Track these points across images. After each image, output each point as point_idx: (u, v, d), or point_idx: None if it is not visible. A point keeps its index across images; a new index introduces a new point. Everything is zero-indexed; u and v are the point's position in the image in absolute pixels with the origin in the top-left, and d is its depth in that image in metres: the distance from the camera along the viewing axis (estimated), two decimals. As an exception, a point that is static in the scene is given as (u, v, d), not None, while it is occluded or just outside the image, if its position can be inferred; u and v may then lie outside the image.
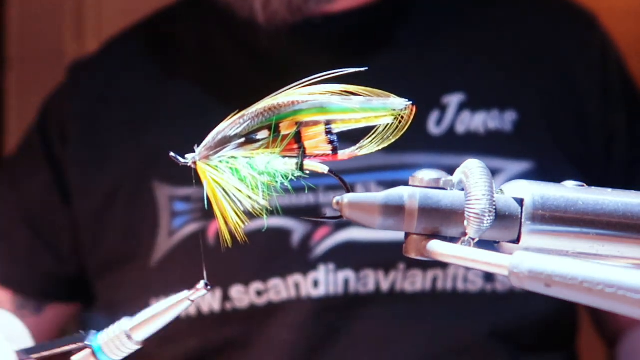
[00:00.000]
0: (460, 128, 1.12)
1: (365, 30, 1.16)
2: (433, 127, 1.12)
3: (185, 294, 0.62)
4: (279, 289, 1.08)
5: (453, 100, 1.13)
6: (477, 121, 1.12)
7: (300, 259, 1.09)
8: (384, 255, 1.08)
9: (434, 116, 1.12)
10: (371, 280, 1.08)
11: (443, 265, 1.08)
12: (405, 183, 0.56)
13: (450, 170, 0.56)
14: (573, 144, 1.14)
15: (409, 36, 1.16)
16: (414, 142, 1.10)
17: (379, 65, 1.10)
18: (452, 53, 1.17)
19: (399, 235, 1.07)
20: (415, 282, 1.08)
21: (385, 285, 1.08)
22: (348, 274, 1.08)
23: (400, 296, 1.08)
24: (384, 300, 1.08)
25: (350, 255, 1.08)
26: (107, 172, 1.17)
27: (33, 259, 1.20)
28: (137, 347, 0.62)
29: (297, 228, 1.10)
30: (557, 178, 0.59)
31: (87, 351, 0.62)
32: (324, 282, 1.08)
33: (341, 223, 1.09)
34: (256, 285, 1.09)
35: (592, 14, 1.22)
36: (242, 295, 1.09)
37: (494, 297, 1.09)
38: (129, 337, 0.61)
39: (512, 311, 1.10)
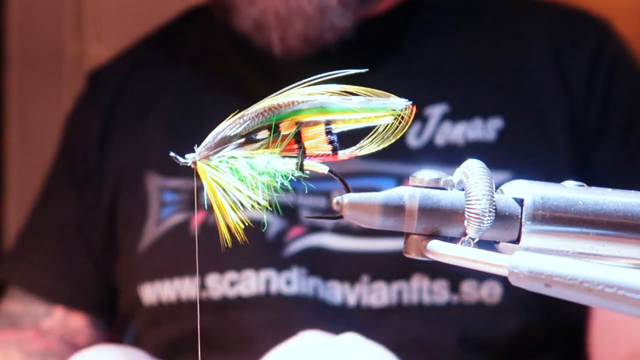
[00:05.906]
0: (440, 140, 1.12)
1: (357, 45, 1.16)
2: (412, 139, 1.11)
3: None
4: (250, 282, 1.09)
5: (435, 112, 1.12)
6: (457, 132, 1.11)
7: (274, 254, 1.10)
8: (350, 267, 1.08)
9: (414, 128, 1.11)
10: (338, 292, 1.08)
11: (407, 277, 1.07)
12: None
13: None
14: (564, 150, 1.13)
15: (395, 49, 1.16)
16: (391, 152, 1.09)
17: (365, 79, 1.09)
18: (438, 63, 1.16)
19: (365, 246, 1.08)
20: (381, 295, 1.07)
21: (351, 300, 1.08)
22: (317, 282, 1.09)
23: (367, 311, 1.08)
24: (350, 314, 1.08)
25: (319, 262, 1.09)
26: (112, 169, 1.21)
27: (85, 276, 1.22)
28: None
29: (273, 222, 1.10)
30: None
31: None
32: (296, 281, 1.08)
33: (315, 227, 1.10)
34: (230, 275, 1.10)
35: (595, 17, 1.20)
36: (217, 285, 1.10)
37: (461, 309, 1.07)
38: None
39: (483, 322, 1.08)
